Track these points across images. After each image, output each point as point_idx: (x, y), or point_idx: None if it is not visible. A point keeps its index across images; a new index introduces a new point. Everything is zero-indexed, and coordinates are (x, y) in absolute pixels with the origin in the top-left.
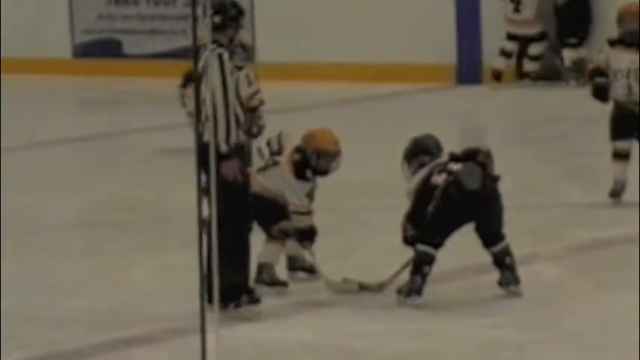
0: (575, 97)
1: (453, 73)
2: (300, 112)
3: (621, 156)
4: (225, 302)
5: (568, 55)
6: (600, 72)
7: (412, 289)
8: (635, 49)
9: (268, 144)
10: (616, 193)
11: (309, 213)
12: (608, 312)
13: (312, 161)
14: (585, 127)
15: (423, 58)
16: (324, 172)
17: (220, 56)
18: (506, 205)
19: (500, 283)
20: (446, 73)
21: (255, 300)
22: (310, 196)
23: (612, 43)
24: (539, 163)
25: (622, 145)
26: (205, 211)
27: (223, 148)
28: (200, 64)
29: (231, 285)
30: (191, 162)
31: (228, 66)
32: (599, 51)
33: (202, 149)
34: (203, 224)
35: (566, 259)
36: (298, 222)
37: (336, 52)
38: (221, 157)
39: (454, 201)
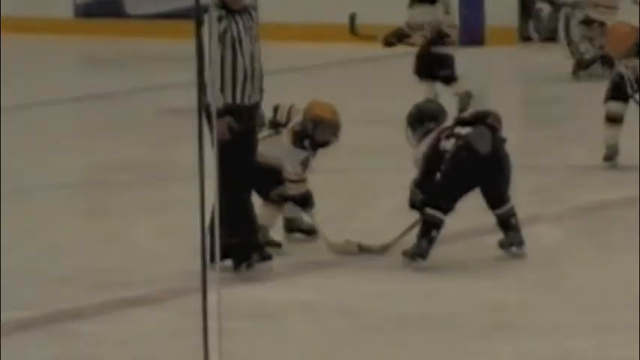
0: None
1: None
2: (302, 73)
3: (614, 120)
4: (237, 263)
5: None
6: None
7: (418, 253)
8: None
9: (275, 110)
10: (609, 157)
11: (301, 181)
12: (609, 273)
13: (309, 129)
14: (586, 89)
15: None
16: (321, 144)
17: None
18: None
19: (502, 245)
20: None
21: (265, 257)
22: (305, 164)
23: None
24: (540, 124)
25: (615, 108)
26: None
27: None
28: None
29: (236, 244)
30: (193, 122)
31: (214, 26)
32: None
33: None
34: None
35: (567, 220)
36: (291, 190)
37: (339, 13)
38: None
39: (465, 165)
